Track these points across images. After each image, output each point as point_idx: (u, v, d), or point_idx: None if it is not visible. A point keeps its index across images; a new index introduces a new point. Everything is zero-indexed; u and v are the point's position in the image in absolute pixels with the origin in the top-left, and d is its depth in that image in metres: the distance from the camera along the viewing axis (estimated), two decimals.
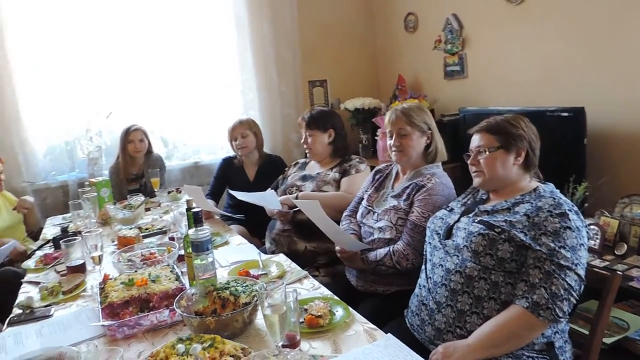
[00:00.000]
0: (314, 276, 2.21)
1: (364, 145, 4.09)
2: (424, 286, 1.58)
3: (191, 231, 1.46)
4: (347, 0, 4.35)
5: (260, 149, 3.05)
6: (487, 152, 1.52)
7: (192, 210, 1.52)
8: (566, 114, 2.61)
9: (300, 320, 1.35)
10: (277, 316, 1.10)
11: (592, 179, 2.49)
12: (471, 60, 3.57)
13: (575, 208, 1.41)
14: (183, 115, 3.78)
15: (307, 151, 2.53)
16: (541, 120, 2.60)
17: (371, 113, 3.97)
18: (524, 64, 3.11)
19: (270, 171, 2.86)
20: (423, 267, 1.63)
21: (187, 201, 1.74)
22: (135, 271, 1.63)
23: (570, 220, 1.34)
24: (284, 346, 1.17)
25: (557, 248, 1.31)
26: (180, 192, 2.98)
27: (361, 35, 4.43)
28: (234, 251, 2.02)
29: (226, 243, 2.16)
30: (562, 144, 2.55)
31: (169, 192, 2.96)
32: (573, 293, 1.29)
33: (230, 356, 1.12)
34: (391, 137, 1.96)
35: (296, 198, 2.28)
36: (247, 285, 1.39)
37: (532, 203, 1.43)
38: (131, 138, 3.16)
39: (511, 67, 3.21)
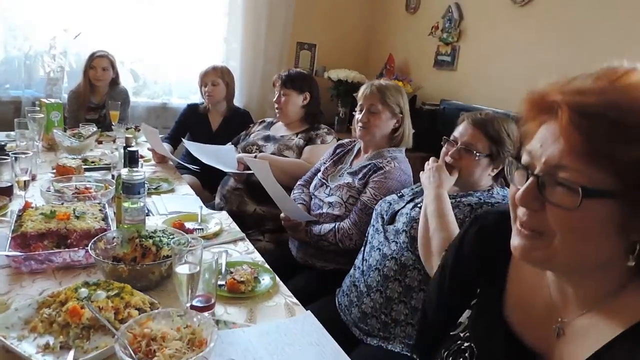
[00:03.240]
0: (257, 240, 2.16)
1: (339, 119, 4.00)
2: (359, 267, 1.53)
3: (124, 171, 1.36)
4: None
5: (229, 101, 2.93)
6: (476, 156, 1.38)
7: (129, 148, 1.41)
8: None
9: (222, 283, 1.29)
10: (185, 276, 1.02)
11: None
12: (463, 54, 3.48)
13: None
14: (159, 51, 3.59)
15: (277, 110, 2.43)
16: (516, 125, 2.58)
17: (354, 87, 3.86)
18: (514, 68, 3.04)
19: (236, 125, 2.75)
20: (362, 248, 1.58)
21: (127, 138, 1.63)
22: (62, 204, 1.53)
23: None
24: (197, 308, 1.10)
25: None
26: (139, 130, 2.84)
27: (359, 6, 4.27)
28: (176, 200, 1.93)
29: (171, 191, 2.06)
30: None
31: (127, 129, 2.82)
32: None
33: (136, 309, 1.05)
34: (361, 111, 1.88)
35: (255, 157, 2.19)
36: (173, 238, 1.31)
37: (480, 198, 1.39)
38: (94, 64, 2.97)
39: (501, 68, 3.14)
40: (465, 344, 0.73)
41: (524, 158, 0.61)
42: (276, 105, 2.41)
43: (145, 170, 1.89)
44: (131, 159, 1.37)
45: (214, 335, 0.93)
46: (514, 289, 0.72)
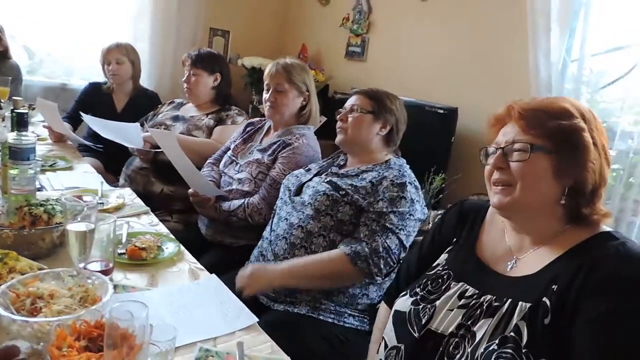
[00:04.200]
0: (165, 221, 2.09)
1: (254, 107, 3.98)
2: (267, 238, 1.56)
3: (12, 135, 1.27)
4: None
5: (135, 81, 2.79)
6: (359, 112, 1.55)
7: (17, 111, 1.31)
8: (442, 112, 2.77)
9: (122, 252, 1.25)
10: (77, 233, 0.98)
11: (450, 175, 2.67)
12: (372, 45, 3.62)
13: (417, 184, 1.48)
14: (59, 27, 3.33)
15: (186, 91, 2.36)
16: (421, 113, 2.74)
17: None
18: (418, 59, 3.23)
19: (143, 106, 2.63)
20: (270, 220, 1.61)
21: (15, 100, 1.51)
22: None
23: (407, 191, 1.40)
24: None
25: (387, 212, 1.36)
26: (33, 109, 2.62)
27: None
28: (74, 177, 1.82)
29: (69, 168, 1.94)
30: (434, 137, 2.72)
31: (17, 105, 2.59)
32: (391, 255, 1.35)
33: (22, 274, 0.98)
34: (268, 91, 1.90)
35: None
36: (67, 205, 1.24)
37: (379, 172, 1.47)
38: None
39: (406, 59, 3.31)
40: (444, 272, 1.01)
41: (491, 148, 0.95)
42: (185, 85, 2.35)
43: (39, 149, 1.75)
44: (19, 122, 1.28)
45: (109, 292, 0.90)
46: (482, 241, 1.03)
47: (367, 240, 1.35)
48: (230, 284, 1.25)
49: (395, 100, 1.60)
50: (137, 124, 2.21)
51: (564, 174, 0.87)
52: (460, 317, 0.91)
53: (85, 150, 2.55)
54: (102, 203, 1.58)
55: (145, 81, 3.15)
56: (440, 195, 2.63)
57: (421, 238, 1.23)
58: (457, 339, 0.89)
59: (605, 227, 0.91)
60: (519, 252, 0.96)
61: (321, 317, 1.39)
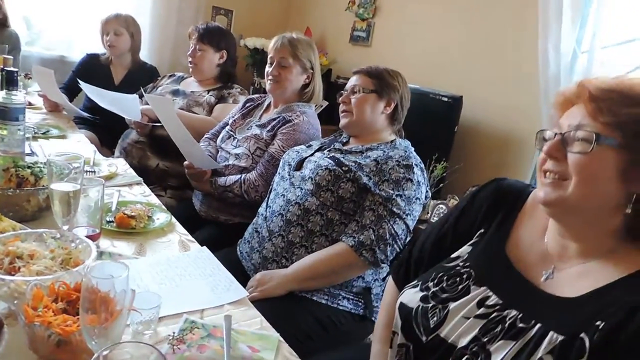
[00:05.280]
0: (159, 196, 2.04)
1: (255, 89, 3.92)
2: (262, 215, 1.51)
3: (1, 94, 1.21)
4: None
5: (134, 53, 2.73)
6: (361, 92, 1.50)
7: (7, 69, 1.25)
8: (446, 100, 2.71)
9: (112, 220, 1.20)
10: (62, 194, 0.93)
11: (452, 164, 2.63)
12: (378, 30, 3.56)
13: (422, 166, 1.43)
14: None
15: (190, 65, 2.30)
16: (425, 100, 2.70)
17: None
18: (424, 45, 3.17)
19: (141, 79, 2.55)
20: (267, 196, 1.56)
21: (4, 59, 1.46)
22: None
23: (414, 173, 1.35)
24: None
25: (394, 196, 1.31)
26: (29, 78, 2.56)
27: None
28: (67, 146, 1.76)
29: (62, 137, 1.88)
30: (437, 125, 2.67)
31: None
32: (398, 241, 1.30)
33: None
34: (271, 64, 1.85)
35: None
36: (53, 167, 1.19)
37: (384, 151, 1.42)
38: None
39: (413, 45, 3.25)
40: (464, 270, 0.86)
41: (549, 132, 0.79)
42: (190, 59, 2.28)
43: (33, 118, 1.70)
44: (9, 81, 1.22)
45: (92, 256, 0.85)
46: (515, 236, 0.87)
47: (374, 227, 1.29)
48: (223, 260, 1.20)
49: (397, 76, 1.55)
50: (136, 96, 2.14)
51: (634, 176, 0.71)
52: (477, 329, 0.77)
53: (81, 122, 2.50)
54: (94, 171, 1.53)
55: (145, 56, 3.08)
56: (441, 185, 2.59)
57: (440, 217, 1.09)
58: (467, 356, 0.75)
59: None
60: (559, 260, 0.80)
61: (315, 298, 1.35)
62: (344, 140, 1.58)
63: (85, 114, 2.31)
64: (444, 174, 2.55)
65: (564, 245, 0.80)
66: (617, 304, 0.68)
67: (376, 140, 1.50)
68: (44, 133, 1.84)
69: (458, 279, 0.85)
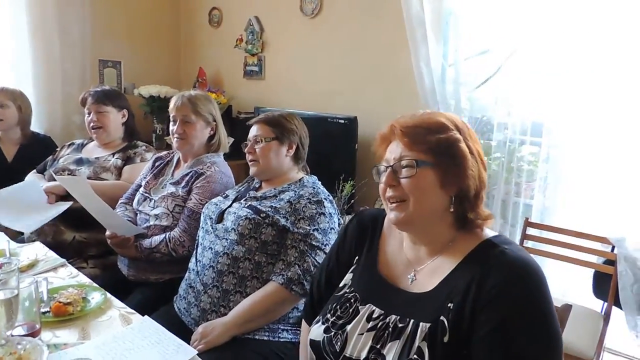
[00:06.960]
0: (80, 268, 2.02)
1: (157, 135, 3.91)
2: (193, 269, 1.59)
3: None
4: None
5: (24, 127, 2.61)
6: (264, 142, 1.63)
7: None
8: (343, 122, 2.95)
9: (47, 310, 1.23)
10: (1, 302, 0.97)
11: (359, 180, 2.86)
12: (269, 64, 3.73)
13: (330, 198, 1.61)
14: None
15: (95, 130, 2.28)
16: (323, 125, 2.91)
17: (167, 102, 3.76)
18: (315, 73, 3.40)
19: (36, 153, 2.48)
20: (194, 251, 1.64)
21: None
22: None
23: (324, 207, 1.52)
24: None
25: (311, 231, 1.47)
26: None
27: (166, 21, 4.22)
28: None
29: None
30: (339, 147, 2.89)
31: None
32: None
33: None
34: (175, 123, 1.93)
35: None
36: None
37: (295, 191, 1.57)
38: None
39: (304, 74, 3.47)
40: (351, 294, 1.04)
41: (382, 166, 1.01)
42: (93, 125, 2.27)
43: None
44: None
45: (44, 354, 0.90)
46: (383, 255, 1.07)
47: (298, 263, 1.44)
48: (163, 321, 1.27)
49: (293, 119, 1.71)
50: (34, 178, 2.09)
51: (448, 183, 0.94)
52: (371, 340, 0.94)
53: None
54: (12, 263, 1.50)
55: (36, 124, 2.97)
56: (352, 201, 2.81)
57: (325, 257, 1.27)
58: None
59: (489, 231, 0.98)
60: (417, 263, 1.00)
61: (257, 337, 1.45)
62: (257, 186, 1.72)
63: None
64: (353, 191, 2.76)
65: (417, 250, 1.02)
66: (459, 283, 0.89)
67: (286, 181, 1.65)
68: None
69: (347, 304, 1.03)
